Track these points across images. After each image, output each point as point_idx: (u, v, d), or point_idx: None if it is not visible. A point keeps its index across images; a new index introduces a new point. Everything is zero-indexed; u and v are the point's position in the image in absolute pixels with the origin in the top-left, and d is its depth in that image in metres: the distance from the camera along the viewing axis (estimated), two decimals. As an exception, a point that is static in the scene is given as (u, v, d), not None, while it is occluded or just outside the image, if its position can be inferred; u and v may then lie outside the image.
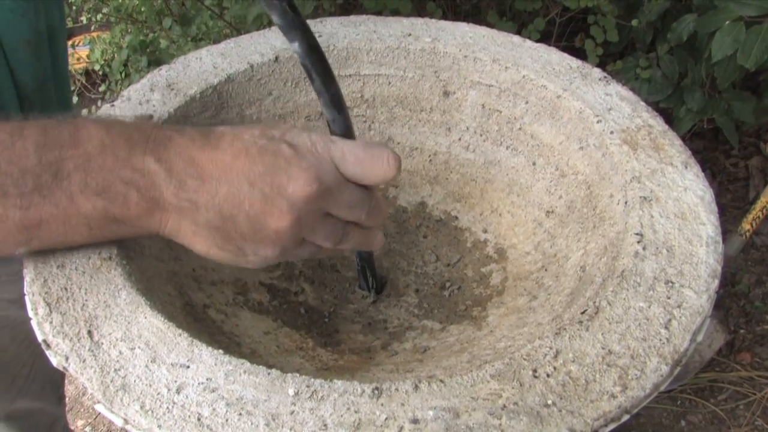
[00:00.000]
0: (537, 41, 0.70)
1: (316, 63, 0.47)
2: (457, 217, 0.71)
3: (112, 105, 0.63)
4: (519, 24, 1.76)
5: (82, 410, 1.63)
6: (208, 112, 0.66)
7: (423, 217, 0.72)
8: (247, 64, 0.68)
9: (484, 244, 0.68)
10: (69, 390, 1.55)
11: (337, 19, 0.74)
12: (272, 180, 0.42)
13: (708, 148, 2.02)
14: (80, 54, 2.33)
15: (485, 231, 0.68)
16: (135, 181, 0.43)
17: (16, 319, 0.78)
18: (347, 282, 0.67)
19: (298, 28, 0.46)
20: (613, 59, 1.76)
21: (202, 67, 0.68)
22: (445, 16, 1.78)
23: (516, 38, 0.72)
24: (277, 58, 0.69)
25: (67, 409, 1.13)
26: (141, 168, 0.43)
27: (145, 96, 0.64)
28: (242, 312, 0.59)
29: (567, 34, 1.89)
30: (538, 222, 0.64)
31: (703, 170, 0.59)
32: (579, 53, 1.76)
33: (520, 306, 0.59)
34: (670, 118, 1.72)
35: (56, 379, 0.97)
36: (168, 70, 0.67)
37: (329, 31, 0.73)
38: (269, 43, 0.71)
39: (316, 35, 0.74)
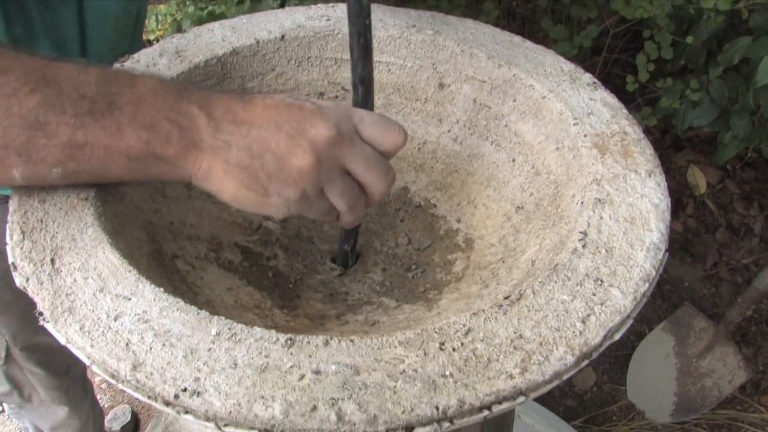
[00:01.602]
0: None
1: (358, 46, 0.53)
2: (435, 205, 0.73)
3: (122, 65, 0.68)
4: (572, 31, 1.74)
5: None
6: (211, 80, 0.70)
7: (404, 201, 0.74)
8: (254, 40, 0.72)
9: (455, 233, 0.70)
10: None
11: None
12: (297, 125, 0.48)
13: (759, 179, 1.94)
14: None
15: (459, 221, 0.70)
16: (179, 121, 0.48)
17: None
18: (320, 254, 0.70)
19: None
20: (665, 78, 1.71)
21: (212, 38, 0.72)
22: (498, 19, 1.78)
23: (516, 38, 0.73)
24: (283, 36, 0.73)
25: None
26: (186, 111, 0.49)
27: (153, 60, 0.69)
28: (210, 267, 0.63)
29: (620, 49, 1.86)
30: (508, 216, 0.66)
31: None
32: (633, 68, 1.73)
33: (471, 293, 0.60)
34: (715, 144, 1.66)
35: None
36: (180, 38, 0.72)
37: (338, 15, 0.76)
38: (279, 22, 0.75)
39: (325, 19, 0.77)
